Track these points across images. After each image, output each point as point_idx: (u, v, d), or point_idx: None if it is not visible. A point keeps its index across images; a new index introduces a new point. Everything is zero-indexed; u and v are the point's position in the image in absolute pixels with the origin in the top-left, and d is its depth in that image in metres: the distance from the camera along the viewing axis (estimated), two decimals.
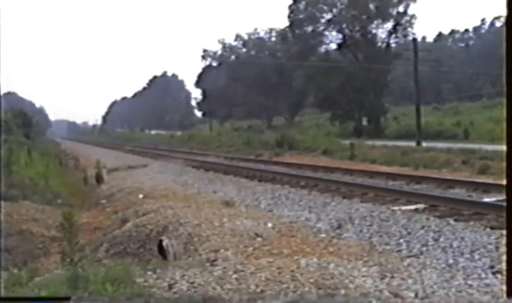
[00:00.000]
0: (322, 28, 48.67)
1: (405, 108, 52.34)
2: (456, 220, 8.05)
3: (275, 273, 5.31)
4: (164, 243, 6.68)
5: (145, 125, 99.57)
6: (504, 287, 3.63)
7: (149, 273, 5.28)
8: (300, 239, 7.27)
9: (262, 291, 4.79)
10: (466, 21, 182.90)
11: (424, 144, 26.72)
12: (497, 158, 14.88)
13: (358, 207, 9.56)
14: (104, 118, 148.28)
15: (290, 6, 49.10)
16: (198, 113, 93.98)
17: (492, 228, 7.33)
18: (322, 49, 50.55)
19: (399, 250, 6.68)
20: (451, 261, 6.02)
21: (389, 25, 46.16)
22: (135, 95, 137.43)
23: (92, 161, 22.99)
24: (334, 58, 48.66)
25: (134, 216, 9.48)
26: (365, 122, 44.73)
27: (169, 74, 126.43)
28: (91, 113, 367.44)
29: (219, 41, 76.91)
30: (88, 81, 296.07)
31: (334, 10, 47.86)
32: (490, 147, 18.98)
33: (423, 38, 70.88)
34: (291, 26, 50.45)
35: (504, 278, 4.40)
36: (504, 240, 5.73)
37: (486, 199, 9.62)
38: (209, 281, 5.01)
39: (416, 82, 31.12)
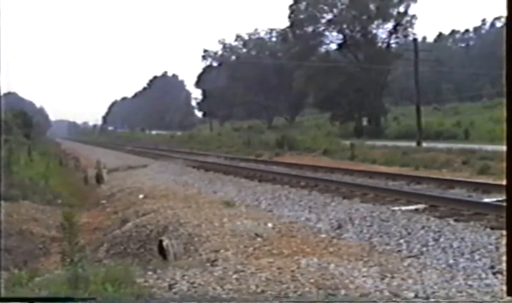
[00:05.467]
0: (322, 28, 48.65)
1: (405, 109, 52.29)
2: (456, 220, 8.05)
3: (275, 273, 5.31)
4: (164, 243, 6.68)
5: (145, 126, 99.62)
6: (504, 287, 3.63)
7: (149, 273, 5.28)
8: (300, 239, 7.27)
9: (263, 291, 4.79)
10: (466, 22, 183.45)
11: (424, 144, 26.72)
12: (497, 158, 14.88)
13: (358, 208, 9.55)
14: (104, 118, 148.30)
15: (290, 6, 49.11)
16: (199, 114, 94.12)
17: (492, 228, 7.33)
18: (323, 49, 50.55)
19: (399, 251, 6.68)
20: (451, 261, 6.02)
21: (390, 25, 46.20)
22: (135, 95, 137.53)
23: (92, 161, 23.03)
24: (335, 58, 48.63)
25: (135, 216, 9.49)
26: (365, 122, 44.71)
27: (169, 74, 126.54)
28: (92, 113, 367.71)
29: (219, 41, 76.92)
30: (88, 81, 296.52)
31: (335, 10, 47.83)
32: (490, 147, 18.98)
33: (424, 38, 71.00)
34: (291, 26, 50.43)
35: (504, 278, 4.40)
36: (504, 240, 5.73)
37: (486, 200, 9.61)
38: (209, 282, 5.02)
39: (417, 82, 31.10)
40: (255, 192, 12.72)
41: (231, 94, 67.99)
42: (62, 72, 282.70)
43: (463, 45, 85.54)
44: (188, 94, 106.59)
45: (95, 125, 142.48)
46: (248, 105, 69.42)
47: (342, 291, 4.81)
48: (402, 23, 45.63)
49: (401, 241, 7.07)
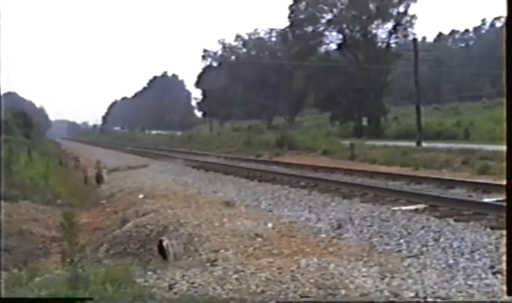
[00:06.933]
0: (322, 28, 48.67)
1: (405, 108, 52.29)
2: (456, 220, 8.05)
3: (275, 273, 5.31)
4: (164, 243, 6.68)
5: (145, 126, 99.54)
6: (504, 287, 3.63)
7: (149, 273, 5.28)
8: (300, 239, 7.27)
9: (262, 291, 4.79)
10: (466, 21, 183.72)
11: (424, 144, 26.72)
12: (497, 158, 14.87)
13: (358, 208, 9.55)
14: (104, 118, 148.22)
15: (290, 6, 49.13)
16: (198, 114, 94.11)
17: (492, 228, 7.33)
18: (322, 49, 50.54)
19: (399, 251, 6.68)
20: (451, 261, 6.02)
21: (389, 25, 46.22)
22: (135, 95, 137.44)
23: (92, 161, 23.00)
24: (334, 58, 48.63)
25: (135, 216, 9.48)
26: (365, 122, 44.72)
27: (169, 74, 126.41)
28: (91, 113, 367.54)
29: (219, 41, 76.88)
30: (88, 81, 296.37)
31: (334, 10, 47.86)
32: (490, 147, 18.97)
33: (424, 38, 70.85)
34: (291, 26, 50.45)
35: (504, 278, 4.40)
36: (504, 240, 5.74)
37: (486, 200, 9.62)
38: (209, 282, 5.02)
39: (417, 82, 31.11)
40: (255, 192, 12.72)
41: (231, 94, 68.01)
42: (62, 72, 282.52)
43: (463, 45, 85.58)
44: (188, 94, 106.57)
45: (95, 125, 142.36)
46: (248, 105, 69.42)
47: (342, 291, 4.81)
48: (402, 23, 45.65)
49: (401, 241, 7.07)
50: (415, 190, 11.65)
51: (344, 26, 47.31)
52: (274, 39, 71.37)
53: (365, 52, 45.84)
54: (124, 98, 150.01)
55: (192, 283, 4.97)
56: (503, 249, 5.70)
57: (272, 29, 71.74)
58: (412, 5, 45.75)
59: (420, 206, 9.45)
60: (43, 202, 12.02)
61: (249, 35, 73.56)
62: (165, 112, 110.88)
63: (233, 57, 73.66)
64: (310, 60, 47.33)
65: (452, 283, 5.11)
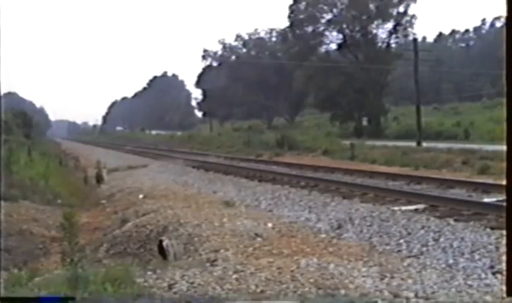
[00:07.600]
0: (322, 28, 48.67)
1: (405, 108, 52.27)
2: (456, 220, 8.05)
3: (275, 273, 5.31)
4: (164, 243, 6.68)
5: (145, 126, 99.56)
6: (504, 287, 3.63)
7: (149, 273, 5.28)
8: (300, 239, 7.27)
9: (262, 291, 4.79)
10: (466, 21, 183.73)
11: (424, 144, 26.73)
12: (497, 158, 14.87)
13: (358, 208, 9.55)
14: (104, 118, 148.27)
15: (290, 6, 49.13)
16: (199, 114, 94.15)
17: (492, 228, 7.33)
18: (322, 49, 50.54)
19: (399, 251, 6.68)
20: (451, 261, 6.02)
21: (390, 25, 46.22)
22: (135, 95, 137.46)
23: (92, 161, 23.01)
24: (334, 58, 48.62)
25: (135, 217, 9.48)
26: (365, 122, 44.72)
27: (169, 74, 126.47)
28: (91, 113, 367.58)
29: (219, 41, 76.98)
30: (88, 81, 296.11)
31: (334, 10, 47.86)
32: (490, 147, 18.98)
33: (424, 38, 70.93)
34: (291, 26, 50.45)
35: (504, 278, 4.40)
36: (504, 240, 5.73)
37: (486, 200, 9.62)
38: (209, 282, 5.02)
39: (417, 82, 31.11)
40: (255, 192, 12.72)
41: (231, 94, 68.01)
42: (62, 72, 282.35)
43: (463, 45, 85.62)
44: (188, 94, 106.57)
45: (95, 125, 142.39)
46: (248, 105, 69.43)
47: (342, 291, 4.82)
48: (402, 23, 45.66)
49: (401, 241, 7.07)
50: (415, 190, 11.65)
51: (344, 26, 47.30)
52: (274, 39, 71.39)
53: (365, 52, 45.84)
54: (124, 98, 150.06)
55: (192, 283, 4.97)
56: (503, 249, 5.70)
57: (272, 29, 71.85)
58: (412, 5, 45.83)
59: (420, 206, 9.45)
60: (43, 202, 12.02)
61: (249, 35, 73.67)
62: (165, 112, 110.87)
63: (233, 57, 73.68)
64: (310, 60, 47.35)
65: (452, 283, 5.11)
